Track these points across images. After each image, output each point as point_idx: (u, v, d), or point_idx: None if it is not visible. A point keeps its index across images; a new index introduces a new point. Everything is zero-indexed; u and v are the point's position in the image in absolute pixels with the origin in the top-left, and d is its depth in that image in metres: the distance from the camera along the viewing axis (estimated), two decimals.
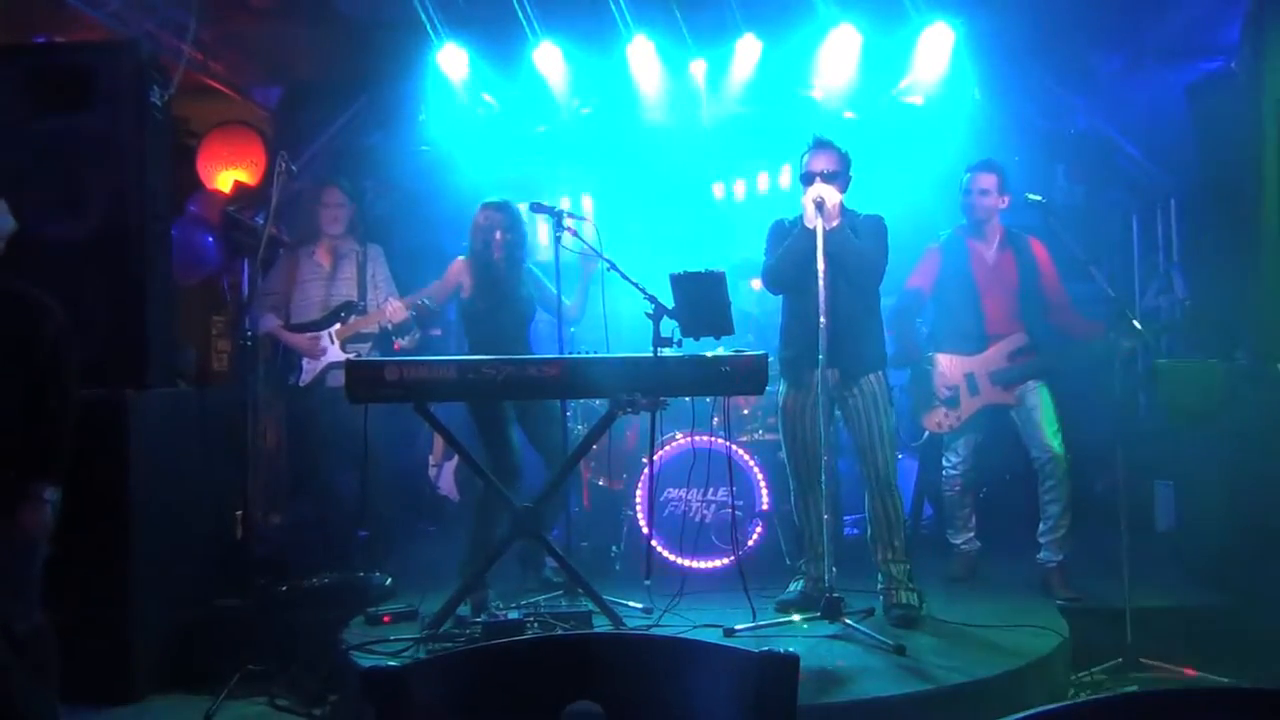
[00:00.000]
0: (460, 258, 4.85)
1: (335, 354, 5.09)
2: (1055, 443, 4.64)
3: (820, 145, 4.19)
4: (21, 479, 3.13)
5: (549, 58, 5.91)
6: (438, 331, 5.28)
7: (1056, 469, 4.64)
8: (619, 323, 4.72)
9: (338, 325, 5.11)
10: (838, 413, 4.25)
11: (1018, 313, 4.76)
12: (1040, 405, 4.67)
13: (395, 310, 4.95)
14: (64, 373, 3.26)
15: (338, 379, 4.98)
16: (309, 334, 5.12)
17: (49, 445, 3.19)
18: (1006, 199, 4.76)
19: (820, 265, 3.83)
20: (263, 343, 5.13)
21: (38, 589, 3.29)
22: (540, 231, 5.97)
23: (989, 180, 4.73)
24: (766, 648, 1.48)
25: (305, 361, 5.12)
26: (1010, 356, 4.73)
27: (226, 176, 6.35)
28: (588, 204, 6.89)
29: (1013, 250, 4.79)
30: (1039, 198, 4.55)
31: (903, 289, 4.85)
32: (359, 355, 5.00)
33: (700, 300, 3.92)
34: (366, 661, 3.77)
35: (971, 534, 4.92)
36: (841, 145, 4.22)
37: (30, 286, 3.29)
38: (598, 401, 5.16)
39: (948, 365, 4.80)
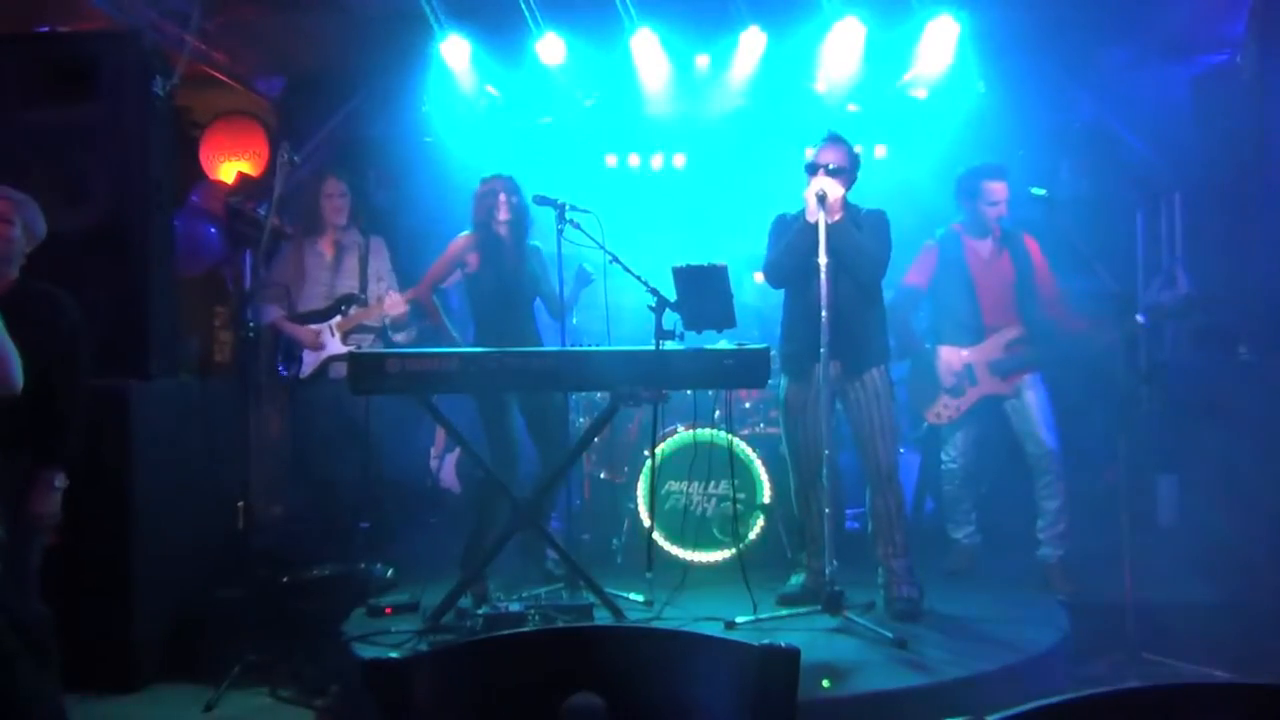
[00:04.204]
0: (463, 233, 4.83)
1: (336, 346, 5.08)
2: (1049, 438, 4.65)
3: (830, 140, 4.18)
4: (33, 464, 3.25)
5: (552, 49, 5.89)
6: (401, 336, 5.25)
7: (1051, 464, 4.66)
8: (621, 315, 4.71)
9: (339, 318, 5.10)
10: (839, 406, 4.24)
11: (1014, 307, 4.78)
12: (1036, 400, 4.69)
13: (394, 303, 4.93)
14: (77, 366, 3.39)
15: (339, 371, 4.98)
16: (311, 326, 5.11)
17: (59, 433, 3.31)
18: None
19: (822, 259, 3.82)
20: (265, 334, 5.13)
21: (36, 580, 3.32)
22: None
23: (1003, 190, 4.73)
24: (767, 640, 1.48)
25: (305, 354, 5.11)
26: (1007, 347, 4.75)
27: (229, 167, 6.35)
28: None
29: (1009, 247, 4.80)
30: (1043, 191, 4.55)
31: (900, 285, 4.86)
32: (359, 347, 4.99)
33: (703, 293, 3.92)
34: (368, 653, 3.78)
35: (972, 528, 4.93)
36: (852, 143, 4.21)
37: (49, 284, 3.42)
38: (599, 394, 5.16)
39: (947, 356, 4.82)
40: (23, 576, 3.28)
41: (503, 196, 4.72)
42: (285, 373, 5.14)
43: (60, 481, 3.29)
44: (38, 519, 3.25)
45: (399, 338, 5.20)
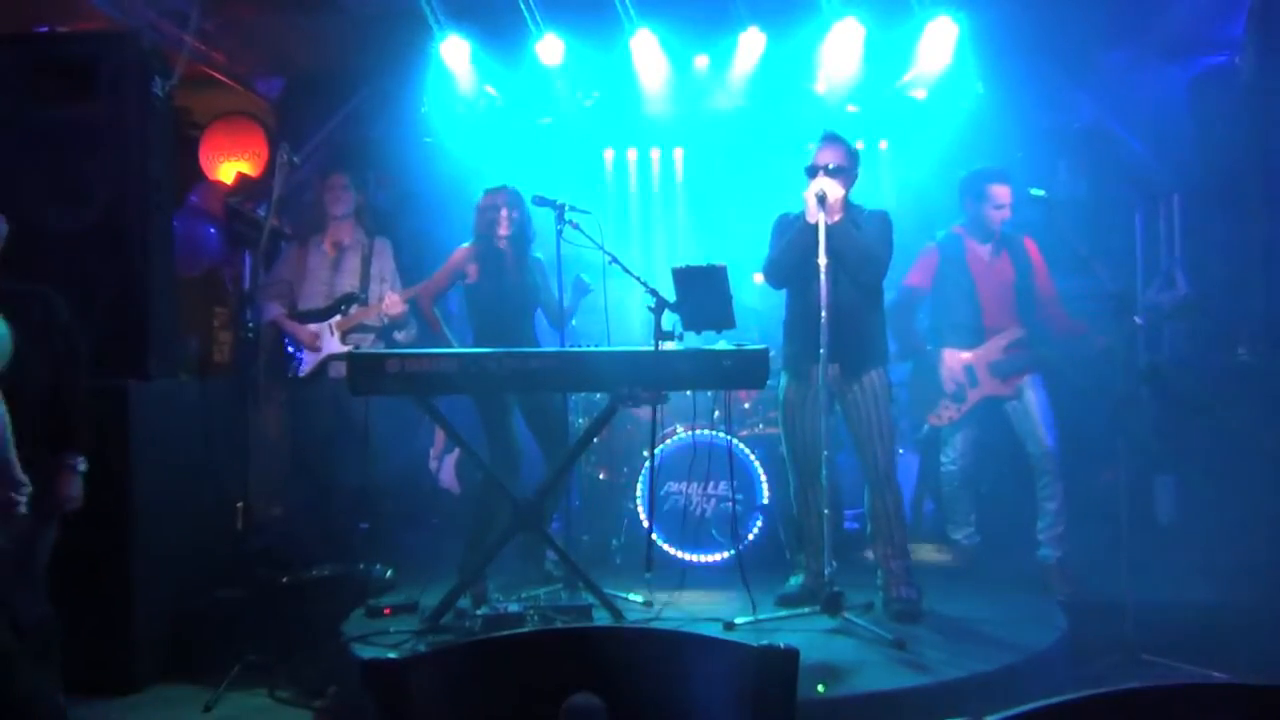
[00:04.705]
0: (464, 245, 4.86)
1: (334, 346, 5.08)
2: (1050, 439, 4.66)
3: (828, 139, 4.17)
4: (54, 452, 3.33)
5: (552, 49, 5.90)
6: (400, 335, 5.24)
7: (1052, 465, 4.67)
8: (620, 316, 4.71)
9: (338, 317, 5.11)
10: (838, 407, 4.24)
11: (1014, 309, 4.79)
12: (1037, 400, 4.70)
13: (393, 303, 4.95)
14: (77, 363, 3.44)
15: (339, 370, 4.98)
16: (310, 325, 5.12)
17: (72, 421, 3.40)
18: None
19: (822, 260, 3.82)
20: (266, 333, 5.13)
21: (44, 579, 3.32)
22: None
23: (1007, 194, 4.73)
24: (766, 641, 1.48)
25: (305, 353, 5.12)
26: (1007, 348, 4.75)
27: (228, 168, 6.35)
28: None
29: (1008, 249, 4.81)
30: (1042, 193, 4.56)
31: (900, 287, 4.87)
32: (358, 347, 5.00)
33: (702, 294, 3.92)
34: (367, 653, 3.78)
35: (971, 529, 4.93)
36: (851, 141, 4.21)
37: (36, 284, 3.45)
38: (599, 395, 5.17)
39: (948, 358, 4.82)
40: (31, 575, 3.29)
41: (504, 212, 4.73)
42: (293, 354, 5.12)
43: (82, 465, 3.38)
44: (67, 502, 3.35)
45: (399, 336, 5.21)
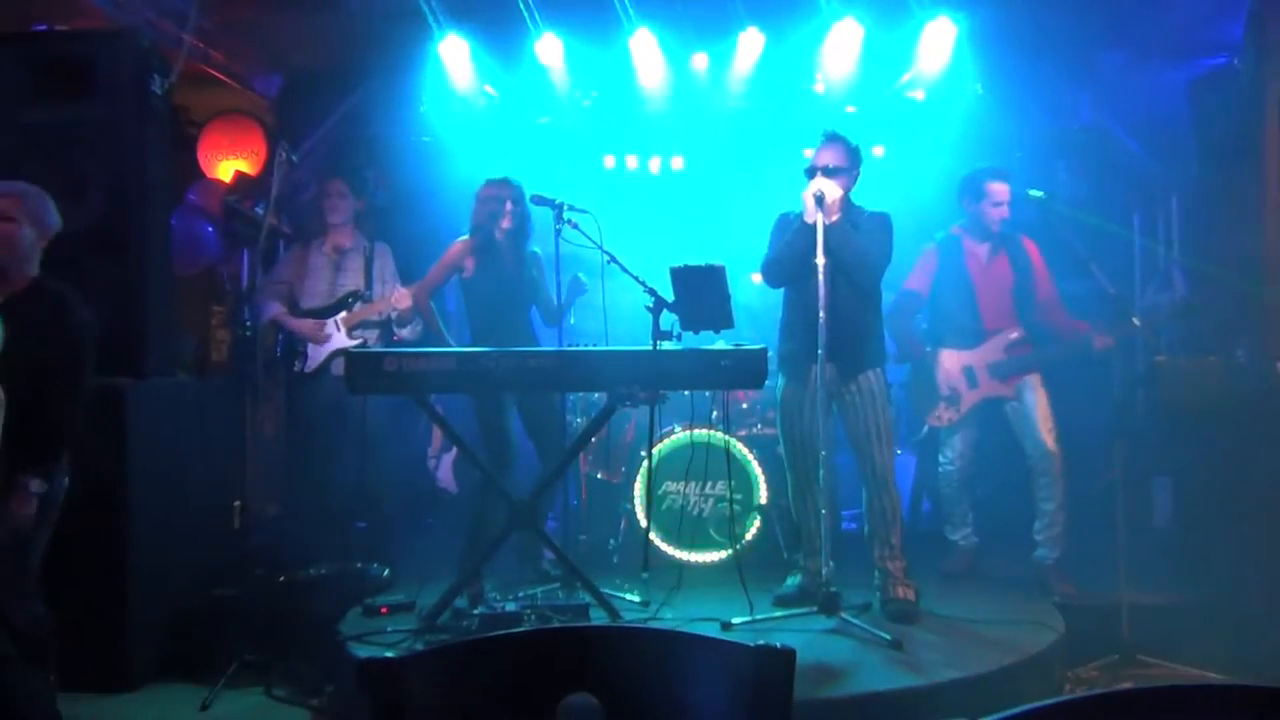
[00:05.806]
0: (461, 237, 4.83)
1: (341, 340, 5.08)
2: (1049, 440, 4.66)
3: (827, 140, 4.17)
4: (13, 467, 3.13)
5: (550, 49, 5.90)
6: (405, 332, 5.23)
7: (1051, 466, 4.67)
8: (618, 315, 4.71)
9: (344, 313, 5.11)
10: (835, 408, 4.24)
11: (1013, 309, 4.79)
12: (1036, 401, 4.70)
13: (401, 297, 4.94)
14: (78, 368, 3.30)
15: (342, 367, 4.98)
16: (315, 320, 5.12)
17: (46, 440, 3.21)
18: None
19: (820, 260, 3.82)
20: (265, 331, 5.12)
21: (35, 579, 3.30)
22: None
23: (1006, 191, 4.74)
24: (763, 641, 1.48)
25: (310, 348, 5.11)
26: (1007, 349, 4.76)
27: (227, 166, 6.34)
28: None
29: (1007, 249, 4.82)
30: (1040, 194, 4.56)
31: (900, 290, 4.87)
32: (365, 342, 5.00)
33: (700, 294, 3.92)
34: (363, 652, 3.78)
35: (969, 530, 4.94)
36: (851, 140, 4.20)
37: (64, 284, 3.36)
38: (596, 394, 5.17)
39: (947, 359, 4.82)
40: (21, 577, 3.26)
41: (509, 205, 4.71)
42: (299, 350, 5.12)
43: (37, 487, 3.15)
44: (11, 519, 3.12)
45: (404, 333, 5.21)
